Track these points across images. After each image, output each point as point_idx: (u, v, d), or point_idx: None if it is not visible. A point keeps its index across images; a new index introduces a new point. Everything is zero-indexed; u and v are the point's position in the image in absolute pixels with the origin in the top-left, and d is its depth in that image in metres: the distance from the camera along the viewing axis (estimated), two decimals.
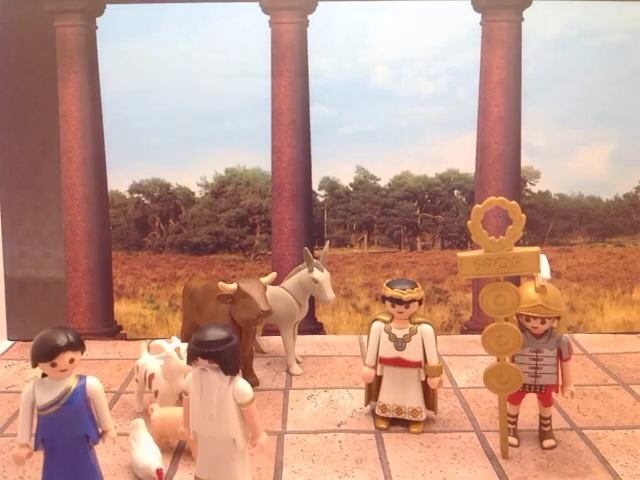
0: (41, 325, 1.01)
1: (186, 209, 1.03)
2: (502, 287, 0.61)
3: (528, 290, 0.64)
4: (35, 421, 0.53)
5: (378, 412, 0.73)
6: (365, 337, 0.75)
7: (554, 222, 1.03)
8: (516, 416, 0.69)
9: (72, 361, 0.52)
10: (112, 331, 1.03)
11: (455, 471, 0.63)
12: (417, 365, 0.71)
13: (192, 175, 1.02)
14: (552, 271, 0.66)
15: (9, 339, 1.01)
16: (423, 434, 0.71)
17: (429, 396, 0.72)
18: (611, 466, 0.64)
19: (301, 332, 0.93)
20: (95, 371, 0.88)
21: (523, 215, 0.60)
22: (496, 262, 0.60)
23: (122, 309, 1.03)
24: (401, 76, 1.00)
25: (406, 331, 0.70)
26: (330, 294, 0.84)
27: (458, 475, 0.63)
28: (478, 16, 0.98)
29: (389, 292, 0.70)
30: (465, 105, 1.00)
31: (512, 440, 0.67)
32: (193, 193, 1.03)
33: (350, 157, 1.02)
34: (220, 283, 0.77)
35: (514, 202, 0.60)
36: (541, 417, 0.69)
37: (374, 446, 0.68)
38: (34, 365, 0.52)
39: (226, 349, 0.51)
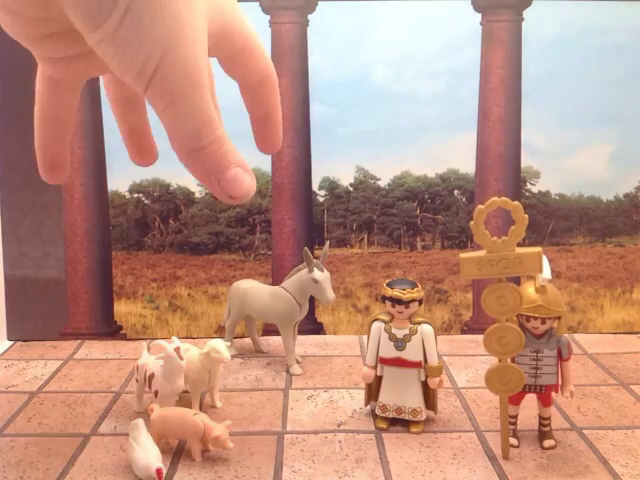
0: (41, 325, 1.02)
1: (186, 209, 1.03)
2: (504, 288, 0.61)
3: (528, 290, 0.64)
4: None
5: (378, 412, 0.73)
6: (365, 337, 0.75)
7: (554, 222, 1.03)
8: (516, 416, 0.69)
9: None
10: (112, 331, 1.03)
11: (455, 471, 0.63)
12: (417, 365, 0.71)
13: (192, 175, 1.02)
14: (552, 271, 0.65)
15: (9, 339, 1.01)
16: (423, 434, 0.71)
17: (429, 396, 0.72)
18: (611, 466, 0.64)
19: (301, 332, 0.92)
20: (95, 371, 0.88)
21: (525, 216, 0.60)
22: (498, 263, 0.60)
23: (122, 309, 1.03)
24: (401, 76, 1.00)
25: (406, 331, 0.70)
26: (330, 294, 0.84)
27: (458, 475, 0.63)
28: (478, 16, 0.98)
29: (389, 292, 0.70)
30: (465, 105, 1.00)
31: (512, 440, 0.67)
32: (193, 193, 1.03)
33: (350, 157, 1.02)
34: None
35: (517, 202, 0.60)
36: (541, 417, 0.69)
37: (374, 446, 0.68)
38: None
39: None
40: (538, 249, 0.60)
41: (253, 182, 0.45)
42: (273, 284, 0.83)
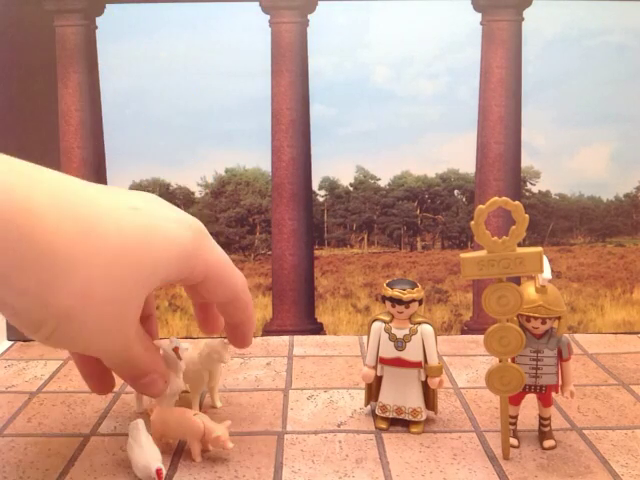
0: None
1: (186, 209, 1.03)
2: (505, 288, 0.61)
3: (529, 290, 0.64)
4: None
5: (378, 412, 0.73)
6: (365, 337, 0.75)
7: (554, 222, 1.03)
8: (516, 417, 0.69)
9: None
10: None
11: (455, 471, 0.63)
12: (417, 365, 0.71)
13: (192, 175, 1.02)
14: (552, 271, 0.65)
15: (9, 339, 1.01)
16: (423, 434, 0.71)
17: (429, 396, 0.72)
18: (611, 466, 0.64)
19: (301, 332, 0.93)
20: None
21: (526, 215, 0.60)
22: (499, 263, 0.60)
23: None
24: (401, 76, 1.00)
25: (406, 331, 0.70)
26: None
27: (458, 475, 0.63)
28: (478, 16, 0.98)
29: (389, 292, 0.70)
30: (465, 105, 1.00)
31: (512, 441, 0.67)
32: (193, 193, 1.02)
33: (350, 157, 1.02)
34: None
35: (518, 202, 0.60)
36: (541, 417, 0.69)
37: (374, 446, 0.68)
38: None
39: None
40: (539, 249, 0.60)
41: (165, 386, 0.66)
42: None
